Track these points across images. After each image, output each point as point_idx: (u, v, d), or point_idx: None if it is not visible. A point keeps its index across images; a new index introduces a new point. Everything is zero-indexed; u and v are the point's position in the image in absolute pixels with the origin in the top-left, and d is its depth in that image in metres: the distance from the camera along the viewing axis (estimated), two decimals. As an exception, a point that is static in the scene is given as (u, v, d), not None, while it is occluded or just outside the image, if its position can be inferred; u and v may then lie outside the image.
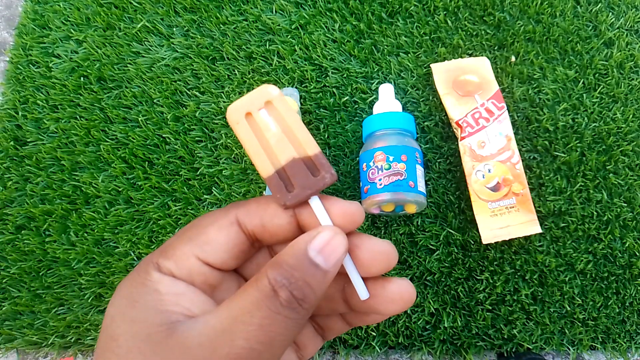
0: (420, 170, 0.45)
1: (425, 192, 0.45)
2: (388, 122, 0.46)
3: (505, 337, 0.45)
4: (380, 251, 0.21)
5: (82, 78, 0.53)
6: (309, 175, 0.21)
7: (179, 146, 0.50)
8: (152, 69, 0.53)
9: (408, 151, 0.44)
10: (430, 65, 0.52)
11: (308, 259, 0.19)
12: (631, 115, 0.51)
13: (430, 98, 0.52)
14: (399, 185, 0.43)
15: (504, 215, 0.45)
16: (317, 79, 0.53)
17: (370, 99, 0.52)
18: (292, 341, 0.20)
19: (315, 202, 0.21)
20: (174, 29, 0.55)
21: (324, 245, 0.19)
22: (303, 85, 0.52)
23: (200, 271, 0.21)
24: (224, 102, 0.52)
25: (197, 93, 0.52)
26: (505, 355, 0.46)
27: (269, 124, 0.21)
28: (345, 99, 0.52)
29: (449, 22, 0.54)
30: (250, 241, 0.23)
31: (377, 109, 0.48)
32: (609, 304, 0.46)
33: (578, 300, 0.46)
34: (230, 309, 0.19)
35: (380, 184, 0.44)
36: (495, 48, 0.53)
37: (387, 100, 0.48)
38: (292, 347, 0.26)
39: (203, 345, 0.18)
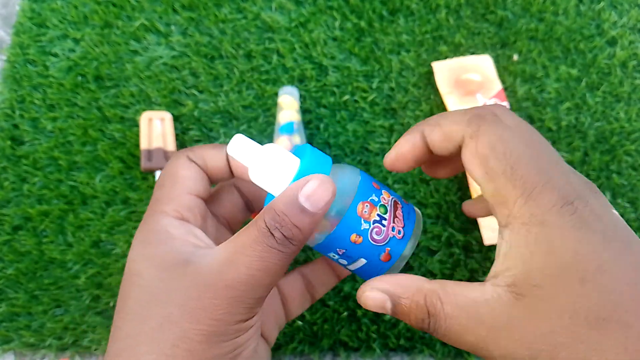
0: None
1: None
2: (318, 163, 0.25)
3: (508, 339, 0.44)
4: None
5: (79, 77, 0.52)
6: None
7: (177, 146, 0.50)
8: (150, 67, 0.52)
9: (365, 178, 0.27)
10: (432, 63, 0.51)
11: (297, 204, 0.23)
12: (634, 115, 0.50)
13: (432, 97, 0.51)
14: (410, 213, 0.27)
15: (507, 216, 0.45)
16: (317, 78, 0.52)
17: (371, 97, 0.51)
18: (284, 270, 0.24)
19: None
20: (172, 27, 0.54)
21: (311, 192, 0.23)
22: (303, 84, 0.52)
23: (195, 204, 0.26)
24: (223, 101, 0.51)
25: (195, 92, 0.52)
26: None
27: None
28: (345, 97, 0.51)
29: (451, 20, 0.54)
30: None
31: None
32: (613, 305, 0.45)
33: (581, 302, 0.45)
34: (235, 244, 0.23)
35: (400, 233, 0.26)
36: (498, 46, 0.53)
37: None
38: (280, 300, 0.31)
39: (213, 272, 0.23)
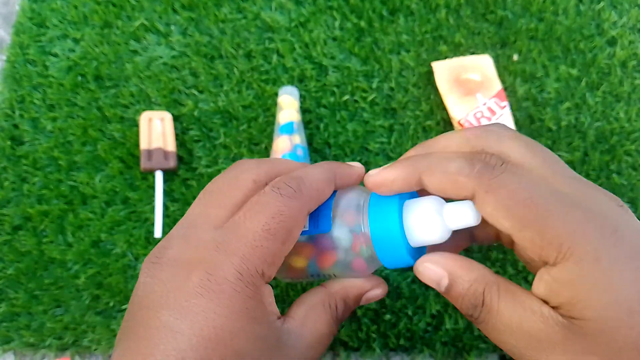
0: None
1: None
2: None
3: (508, 339, 0.44)
4: None
5: (79, 77, 0.52)
6: None
7: (177, 145, 0.50)
8: (150, 67, 0.52)
9: None
10: (432, 63, 0.51)
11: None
12: (634, 114, 0.50)
13: (432, 97, 0.51)
14: None
15: (506, 216, 0.45)
16: (317, 78, 0.52)
17: (371, 97, 0.51)
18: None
19: None
20: (172, 27, 0.54)
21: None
22: (303, 84, 0.52)
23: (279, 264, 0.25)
24: (223, 100, 0.51)
25: (195, 92, 0.52)
26: (507, 357, 0.45)
27: None
28: (345, 97, 0.51)
29: (451, 19, 0.54)
30: None
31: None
32: (613, 305, 0.45)
33: (581, 302, 0.45)
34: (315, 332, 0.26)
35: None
36: (498, 46, 0.53)
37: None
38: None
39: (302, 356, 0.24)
